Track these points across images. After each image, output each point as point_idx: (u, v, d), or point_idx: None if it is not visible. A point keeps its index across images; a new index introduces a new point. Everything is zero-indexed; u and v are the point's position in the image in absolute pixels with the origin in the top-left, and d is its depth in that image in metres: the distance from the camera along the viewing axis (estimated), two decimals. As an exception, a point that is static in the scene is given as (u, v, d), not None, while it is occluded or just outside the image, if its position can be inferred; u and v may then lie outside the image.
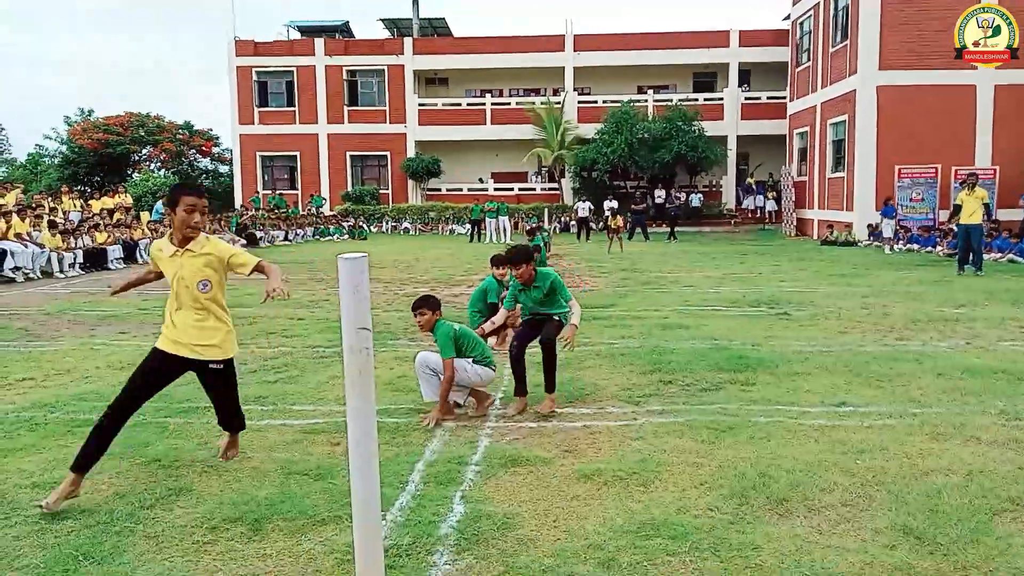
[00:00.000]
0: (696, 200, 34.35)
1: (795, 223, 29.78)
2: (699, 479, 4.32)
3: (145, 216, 23.28)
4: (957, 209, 15.13)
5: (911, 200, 23.50)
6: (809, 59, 28.80)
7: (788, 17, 32.69)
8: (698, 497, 4.07)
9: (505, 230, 28.50)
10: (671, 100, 35.03)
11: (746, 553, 3.43)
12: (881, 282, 14.00)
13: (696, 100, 35.44)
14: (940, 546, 3.48)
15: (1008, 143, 22.59)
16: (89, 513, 3.96)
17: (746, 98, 35.85)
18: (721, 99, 35.95)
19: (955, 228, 16.05)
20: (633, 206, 29.64)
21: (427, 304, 5.81)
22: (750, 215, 34.55)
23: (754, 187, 35.02)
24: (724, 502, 3.99)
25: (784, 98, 33.67)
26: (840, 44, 25.36)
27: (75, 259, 16.92)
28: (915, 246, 21.44)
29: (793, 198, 29.92)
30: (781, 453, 4.72)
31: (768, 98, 35.42)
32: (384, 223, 35.19)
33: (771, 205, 33.62)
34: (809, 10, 28.56)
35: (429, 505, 4.00)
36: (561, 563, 3.36)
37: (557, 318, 5.94)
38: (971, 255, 15.02)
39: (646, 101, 35.60)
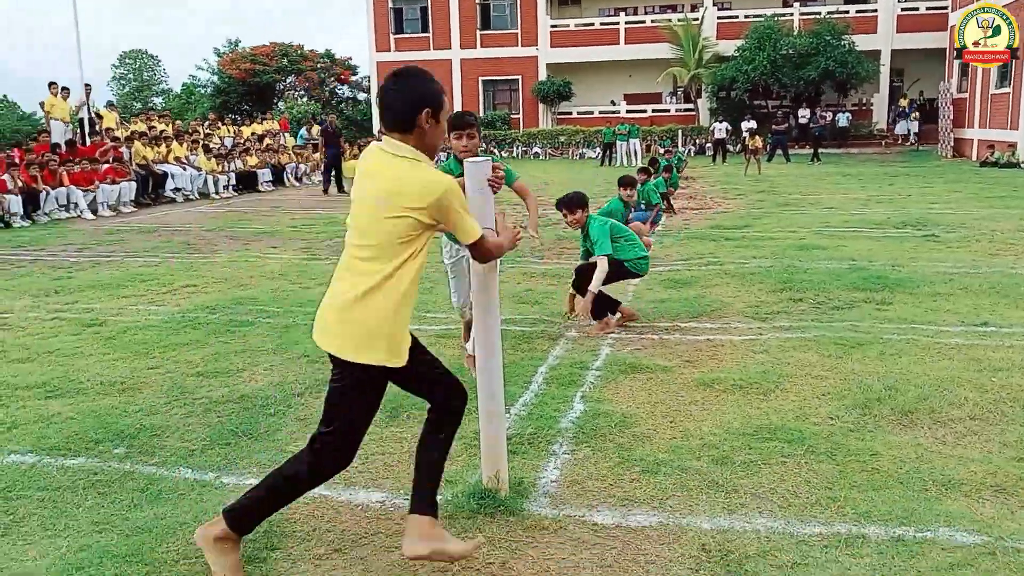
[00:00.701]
0: (844, 120, 32.38)
1: (952, 144, 27.62)
2: (822, 390, 4.30)
3: (291, 141, 24.44)
4: None
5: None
6: (978, -39, 26.17)
7: (956, -85, 29.66)
8: (819, 406, 4.07)
9: (636, 153, 28.00)
10: (819, 13, 32.83)
11: (863, 459, 3.44)
12: (1047, 205, 12.94)
13: (847, 12, 33.02)
14: (1076, 462, 3.36)
15: None
16: (248, 399, 4.42)
17: (903, 9, 33.08)
18: (875, 10, 33.32)
19: None
20: (774, 126, 28.29)
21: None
22: (902, 140, 32.25)
23: (906, 110, 32.60)
24: (846, 412, 3.98)
25: (946, 8, 30.85)
26: (1015, -58, 22.88)
27: (228, 181, 18.08)
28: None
29: (951, 116, 27.69)
30: (912, 369, 4.61)
31: (927, 9, 32.54)
32: (515, 148, 35.32)
33: (914, 127, 31.36)
34: (981, -95, 25.81)
35: (551, 403, 4.21)
36: (675, 458, 3.50)
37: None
38: None
39: (792, 14, 33.51)
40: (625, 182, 8.51)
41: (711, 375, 4.61)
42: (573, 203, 5.84)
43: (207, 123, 22.11)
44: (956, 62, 28.13)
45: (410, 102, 2.52)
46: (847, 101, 33.59)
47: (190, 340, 5.63)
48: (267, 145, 21.20)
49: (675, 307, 6.33)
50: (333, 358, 2.66)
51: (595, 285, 5.49)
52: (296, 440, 3.83)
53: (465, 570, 2.72)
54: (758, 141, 22.22)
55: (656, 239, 9.86)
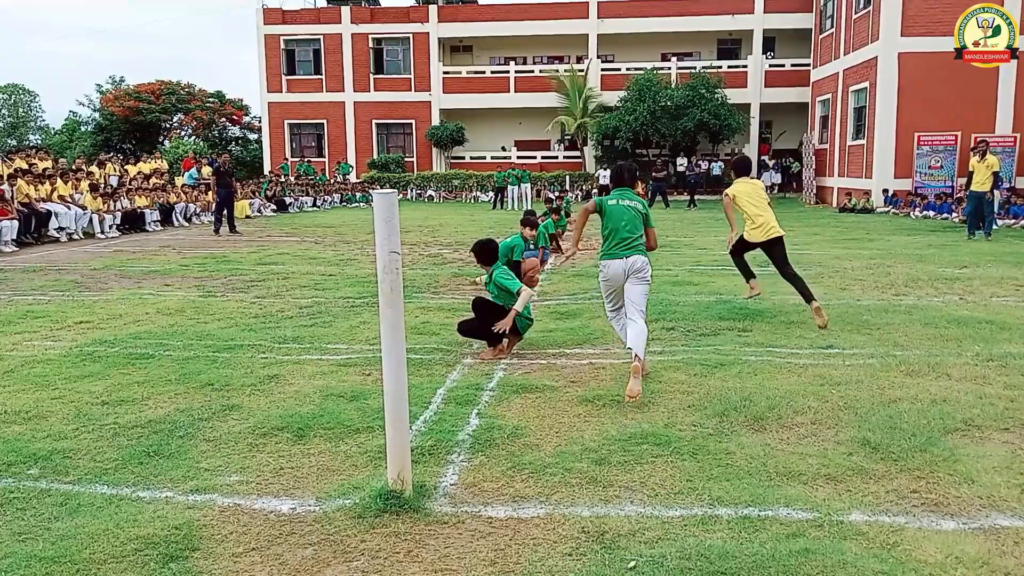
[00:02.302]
0: (717, 168, 34.52)
1: (815, 191, 29.92)
2: (687, 403, 4.87)
3: (179, 180, 24.03)
4: (971, 176, 15.46)
5: (929, 168, 23.62)
6: (832, 25, 28.76)
7: (813, -17, 32.53)
8: (685, 416, 4.62)
9: (526, 197, 28.92)
10: (694, 68, 35.09)
11: (719, 456, 3.98)
12: (891, 246, 14.36)
13: (719, 68, 35.44)
14: (892, 454, 4.01)
15: (1030, 111, 22.60)
16: (155, 423, 4.60)
17: (770, 65, 35.79)
18: (745, 66, 35.90)
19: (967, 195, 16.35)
20: (654, 173, 29.89)
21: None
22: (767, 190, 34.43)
23: (769, 164, 35.10)
24: (707, 420, 4.54)
25: (808, 66, 33.63)
26: (863, 10, 25.34)
27: (114, 221, 17.67)
28: (931, 213, 21.63)
29: (813, 166, 30.03)
30: (765, 384, 5.25)
31: (792, 65, 35.32)
32: (409, 190, 35.75)
33: (777, 178, 33.98)
34: (834, -24, 28.46)
35: (449, 419, 4.60)
36: (560, 461, 3.95)
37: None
38: (982, 221, 15.36)
39: (669, 69, 35.65)
40: (530, 223, 9.07)
41: (593, 393, 5.10)
42: (479, 255, 6.34)
43: (94, 161, 21.50)
44: (818, 115, 30.65)
45: None
46: (720, 151, 35.84)
47: (90, 372, 5.71)
48: (154, 184, 20.81)
49: (562, 336, 6.85)
50: None
51: (520, 305, 5.96)
52: (208, 458, 4.06)
53: (373, 559, 3.05)
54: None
55: (544, 276, 10.45)
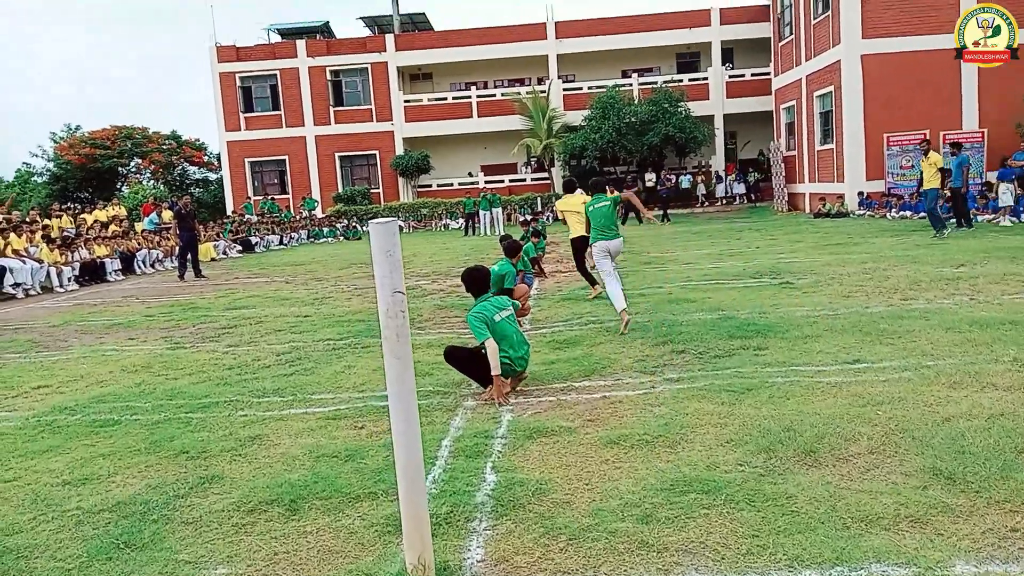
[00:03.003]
0: (686, 181, 34.42)
1: (786, 198, 29.86)
2: (724, 437, 4.37)
3: (139, 226, 23.24)
4: (922, 176, 15.55)
5: (901, 167, 23.59)
6: (792, 32, 28.85)
7: (768, -7, 32.73)
8: (726, 454, 4.12)
9: (498, 221, 28.51)
10: (656, 83, 35.06)
11: (780, 502, 3.48)
12: (878, 248, 14.09)
13: (681, 81, 35.47)
14: (971, 485, 3.53)
15: (993, 106, 22.67)
16: (124, 505, 3.99)
17: (730, 76, 35.88)
18: (706, 79, 35.96)
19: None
20: (625, 189, 29.65)
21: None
22: (724, 201, 34.32)
23: (722, 176, 35.07)
24: (752, 457, 4.04)
25: (768, 74, 33.74)
26: (822, 15, 25.40)
27: (73, 272, 16.88)
28: (908, 213, 21.53)
29: (783, 173, 30.00)
30: (802, 409, 4.77)
31: (752, 75, 35.46)
32: (377, 222, 35.11)
33: (740, 188, 33.97)
34: (789, -16, 28.60)
35: (461, 476, 4.05)
36: (599, 522, 3.41)
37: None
38: (963, 217, 15.34)
39: (631, 85, 35.58)
40: (513, 248, 8.61)
41: (616, 432, 4.59)
42: (470, 284, 5.93)
43: (51, 212, 20.67)
44: (784, 122, 30.68)
45: None
46: (688, 163, 35.76)
47: (49, 447, 5.07)
48: (113, 232, 20.03)
49: (565, 367, 6.34)
50: None
51: (495, 368, 5.44)
52: (189, 546, 3.47)
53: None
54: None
55: (533, 302, 9.94)
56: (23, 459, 4.83)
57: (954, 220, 16.94)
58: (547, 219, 29.06)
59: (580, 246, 10.45)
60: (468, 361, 5.82)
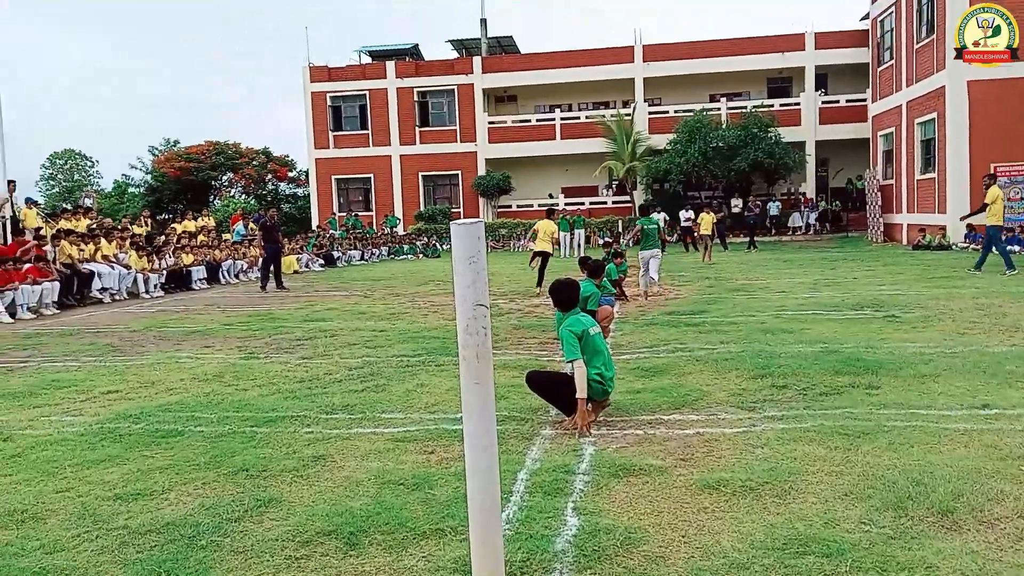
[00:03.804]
0: (775, 208, 33.26)
1: (882, 229, 28.48)
2: (842, 489, 3.81)
3: (227, 237, 23.71)
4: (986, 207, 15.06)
5: (1009, 199, 22.11)
6: (892, 57, 27.64)
7: (867, 16, 31.54)
8: (846, 509, 3.56)
9: (582, 244, 28.06)
10: (745, 107, 34.13)
11: (919, 573, 2.92)
12: (987, 283, 13.09)
13: (771, 106, 34.41)
14: None
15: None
16: (174, 527, 3.69)
17: (824, 102, 34.65)
18: (798, 104, 34.81)
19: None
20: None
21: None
22: (793, 231, 32.84)
23: (800, 204, 33.45)
24: (878, 514, 3.47)
25: (864, 100, 32.45)
26: (926, 39, 24.22)
27: (159, 280, 17.20)
28: (1016, 248, 20.12)
29: (879, 202, 28.65)
30: (930, 460, 4.16)
31: (847, 101, 34.16)
32: (456, 241, 35.15)
33: (811, 217, 32.54)
34: (890, 7, 27.43)
35: (539, 518, 3.60)
36: (701, 583, 2.92)
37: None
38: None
39: (719, 109, 34.75)
40: (596, 268, 8.20)
41: (713, 475, 4.07)
42: (557, 296, 5.51)
43: (139, 220, 21.28)
44: (881, 150, 29.36)
45: None
46: (776, 190, 34.61)
47: (107, 456, 4.86)
48: (201, 242, 20.44)
49: (653, 398, 5.84)
50: None
51: (581, 391, 5.00)
52: (235, 580, 3.13)
53: None
54: (709, 223, 22.15)
55: (616, 326, 9.45)
56: (79, 468, 4.61)
57: None
58: (627, 243, 28.45)
59: (543, 257, 14.97)
60: (551, 386, 5.39)
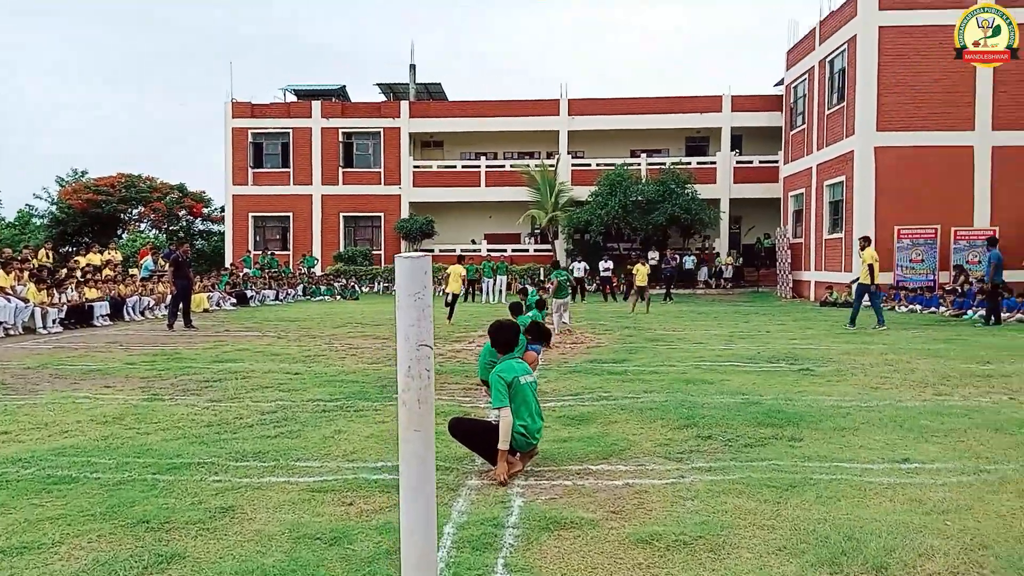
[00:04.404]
0: (690, 262, 34.12)
1: (791, 285, 29.50)
2: (775, 544, 3.74)
3: (134, 271, 22.72)
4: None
5: (911, 261, 23.30)
6: (804, 122, 28.98)
7: (781, 82, 33.08)
8: (781, 565, 3.49)
9: (502, 291, 28.07)
10: (664, 163, 35.12)
11: (859, 633, 2.85)
12: (894, 340, 13.59)
13: (689, 164, 35.54)
14: (1084, 623, 2.91)
15: (1007, 204, 22.55)
16: (64, 584, 3.34)
17: (738, 162, 36.00)
18: (714, 163, 36.06)
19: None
20: (629, 267, 29.39)
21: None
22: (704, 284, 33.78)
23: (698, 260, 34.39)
24: (814, 570, 3.41)
25: (776, 162, 33.88)
26: (836, 106, 25.51)
27: (59, 315, 16.27)
28: (917, 307, 21.11)
29: (789, 260, 29.72)
30: (859, 514, 4.16)
31: (760, 162, 35.59)
32: (376, 284, 34.70)
33: (702, 275, 33.55)
34: (804, 74, 28.86)
35: (468, 575, 3.40)
36: (639, 646, 2.77)
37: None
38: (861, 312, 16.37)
39: (639, 164, 35.67)
40: (539, 334, 8.10)
41: (645, 529, 3.96)
42: (497, 337, 5.40)
43: (39, 252, 20.18)
44: (791, 209, 30.52)
45: None
46: (691, 244, 35.56)
47: (-10, 504, 4.42)
48: (106, 276, 19.50)
49: (580, 447, 5.72)
50: None
51: (503, 442, 4.86)
52: (130, 646, 2.81)
53: None
54: (644, 273, 22.24)
55: (539, 374, 9.35)
56: (-44, 518, 4.17)
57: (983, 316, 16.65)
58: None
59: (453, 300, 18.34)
60: (475, 434, 5.21)
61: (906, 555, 3.56)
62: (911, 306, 21.28)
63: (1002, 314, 16.62)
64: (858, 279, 16.48)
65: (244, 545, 3.80)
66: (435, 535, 2.38)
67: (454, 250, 36.32)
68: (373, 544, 3.77)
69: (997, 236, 19.58)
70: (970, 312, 18.56)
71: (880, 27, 23.22)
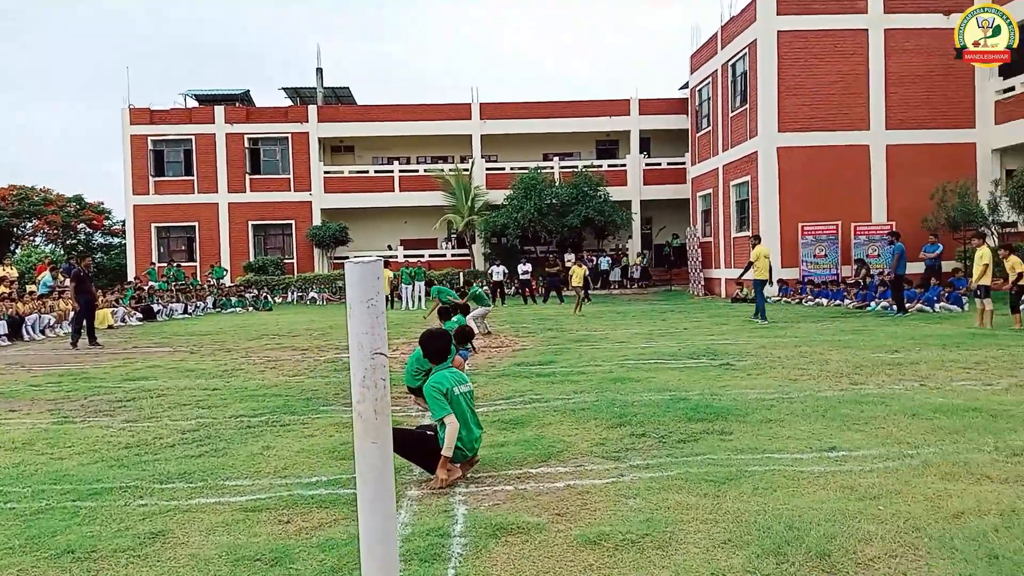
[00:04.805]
0: (605, 263, 34.66)
1: (703, 283, 30.31)
2: (720, 537, 3.80)
3: (31, 288, 21.51)
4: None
5: (815, 256, 24.27)
6: (709, 124, 29.83)
7: (686, 86, 33.99)
8: (728, 558, 3.55)
9: (421, 297, 27.83)
10: (576, 167, 35.57)
11: (811, 620, 2.92)
12: (805, 332, 14.09)
13: (600, 167, 36.11)
14: (1014, 596, 3.06)
15: (902, 199, 23.75)
16: (-18, 626, 3.11)
17: (647, 164, 36.79)
18: (624, 165, 36.74)
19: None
20: (547, 269, 29.71)
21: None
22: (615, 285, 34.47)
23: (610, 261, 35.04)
24: (760, 561, 3.48)
25: (684, 163, 34.80)
26: (740, 108, 26.36)
27: (-51, 336, 15.26)
28: (823, 300, 21.99)
29: (700, 258, 30.52)
30: (795, 504, 4.27)
31: (668, 164, 36.46)
32: (290, 293, 33.88)
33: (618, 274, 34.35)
34: (707, 78, 29.72)
35: (420, 587, 3.34)
36: (602, 648, 2.77)
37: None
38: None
39: (552, 168, 36.03)
40: (462, 336, 8.04)
41: (592, 530, 3.96)
42: (427, 347, 5.36)
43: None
44: (700, 209, 31.37)
45: None
46: (606, 246, 36.13)
47: None
48: (2, 294, 18.40)
49: (518, 451, 5.70)
50: None
51: (447, 449, 4.81)
52: None
53: None
54: (581, 275, 22.34)
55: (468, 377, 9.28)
56: None
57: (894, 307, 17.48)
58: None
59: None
60: (411, 443, 5.13)
61: (846, 541, 3.67)
62: (817, 300, 22.14)
63: (905, 304, 17.45)
64: (741, 275, 17.74)
65: (179, 571, 3.62)
66: (396, 550, 2.30)
67: (370, 256, 35.85)
68: (317, 562, 3.65)
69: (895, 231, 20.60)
70: (873, 304, 19.43)
71: (779, 31, 24.14)
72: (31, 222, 42.01)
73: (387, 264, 19.92)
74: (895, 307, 17.36)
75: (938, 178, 22.51)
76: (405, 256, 34.61)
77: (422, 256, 35.89)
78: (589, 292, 21.88)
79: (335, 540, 3.92)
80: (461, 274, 32.07)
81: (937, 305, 17.92)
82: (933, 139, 24.03)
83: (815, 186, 23.95)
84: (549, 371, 9.98)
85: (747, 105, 25.60)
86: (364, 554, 2.23)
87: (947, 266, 20.85)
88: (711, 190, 29.84)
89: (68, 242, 43.08)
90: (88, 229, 44.33)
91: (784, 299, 23.51)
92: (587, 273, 24.11)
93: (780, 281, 24.12)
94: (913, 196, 23.11)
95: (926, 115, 24.03)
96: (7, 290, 19.12)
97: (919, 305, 17.91)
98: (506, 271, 30.60)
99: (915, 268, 21.33)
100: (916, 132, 23.99)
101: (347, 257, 36.38)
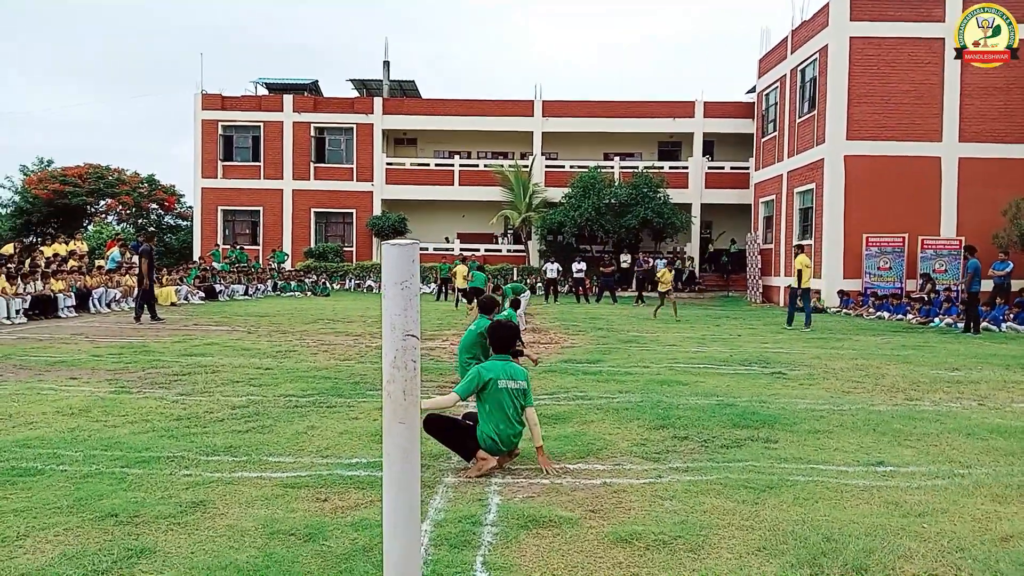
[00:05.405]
0: (661, 265, 34.25)
1: (761, 290, 29.78)
2: (755, 544, 3.73)
3: (100, 262, 22.28)
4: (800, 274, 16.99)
5: (879, 268, 23.63)
6: (775, 129, 29.27)
7: (753, 90, 33.41)
8: (761, 565, 3.48)
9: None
10: (637, 167, 35.28)
11: (841, 633, 2.84)
12: (864, 345, 13.73)
13: (661, 168, 35.74)
14: (1060, 625, 2.94)
15: (972, 214, 22.94)
16: (28, 579, 3.23)
17: (710, 167, 36.28)
18: (686, 168, 36.31)
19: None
20: (602, 269, 29.53)
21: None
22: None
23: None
24: (794, 571, 3.41)
25: (747, 168, 34.21)
26: (807, 114, 25.80)
27: (23, 305, 15.90)
28: (885, 314, 21.40)
29: (759, 265, 30.00)
30: (836, 516, 4.17)
31: (732, 168, 35.90)
32: (347, 280, 34.42)
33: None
34: (775, 82, 29.16)
35: (447, 573, 3.35)
36: (623, 645, 2.74)
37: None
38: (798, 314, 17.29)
39: (612, 167, 35.82)
40: (490, 306, 8.08)
41: (625, 528, 3.93)
42: (489, 337, 5.52)
43: (4, 248, 19.72)
44: (762, 216, 30.84)
45: None
46: (663, 248, 35.78)
47: (-51, 497, 4.27)
48: (72, 267, 19.11)
49: (557, 446, 5.68)
50: None
51: (426, 408, 5.00)
52: (99, 643, 2.72)
53: None
54: (669, 278, 21.93)
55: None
56: (-86, 510, 4.03)
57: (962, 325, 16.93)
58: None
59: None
60: (450, 430, 5.17)
61: (885, 557, 3.57)
62: (879, 313, 21.56)
63: (980, 324, 16.81)
64: (793, 284, 17.37)
65: (216, 540, 3.71)
66: (419, 532, 2.32)
67: (427, 248, 36.25)
68: (349, 541, 3.71)
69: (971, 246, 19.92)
70: (936, 320, 18.84)
71: (851, 38, 23.55)
72: (104, 200, 43.42)
73: (464, 260, 22.15)
74: (966, 325, 16.68)
75: (1012, 193, 21.69)
76: (461, 249, 34.76)
77: (478, 250, 36.04)
78: (669, 294, 21.31)
79: (368, 520, 3.97)
80: (515, 270, 32.12)
81: (1004, 325, 17.27)
82: (1008, 153, 23.17)
83: (882, 197, 23.31)
84: (596, 369, 9.93)
85: (815, 111, 25.04)
86: (387, 532, 2.26)
87: (1016, 285, 20.08)
88: (774, 196, 29.28)
89: (140, 221, 44.40)
90: (160, 210, 45.62)
91: (845, 311, 22.93)
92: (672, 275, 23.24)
93: (841, 292, 23.55)
94: (984, 211, 22.30)
95: (1002, 128, 23.17)
96: (77, 264, 19.83)
97: (985, 324, 17.28)
98: (560, 269, 30.54)
99: (983, 285, 20.60)
100: (991, 146, 23.15)
101: (405, 248, 36.74)
